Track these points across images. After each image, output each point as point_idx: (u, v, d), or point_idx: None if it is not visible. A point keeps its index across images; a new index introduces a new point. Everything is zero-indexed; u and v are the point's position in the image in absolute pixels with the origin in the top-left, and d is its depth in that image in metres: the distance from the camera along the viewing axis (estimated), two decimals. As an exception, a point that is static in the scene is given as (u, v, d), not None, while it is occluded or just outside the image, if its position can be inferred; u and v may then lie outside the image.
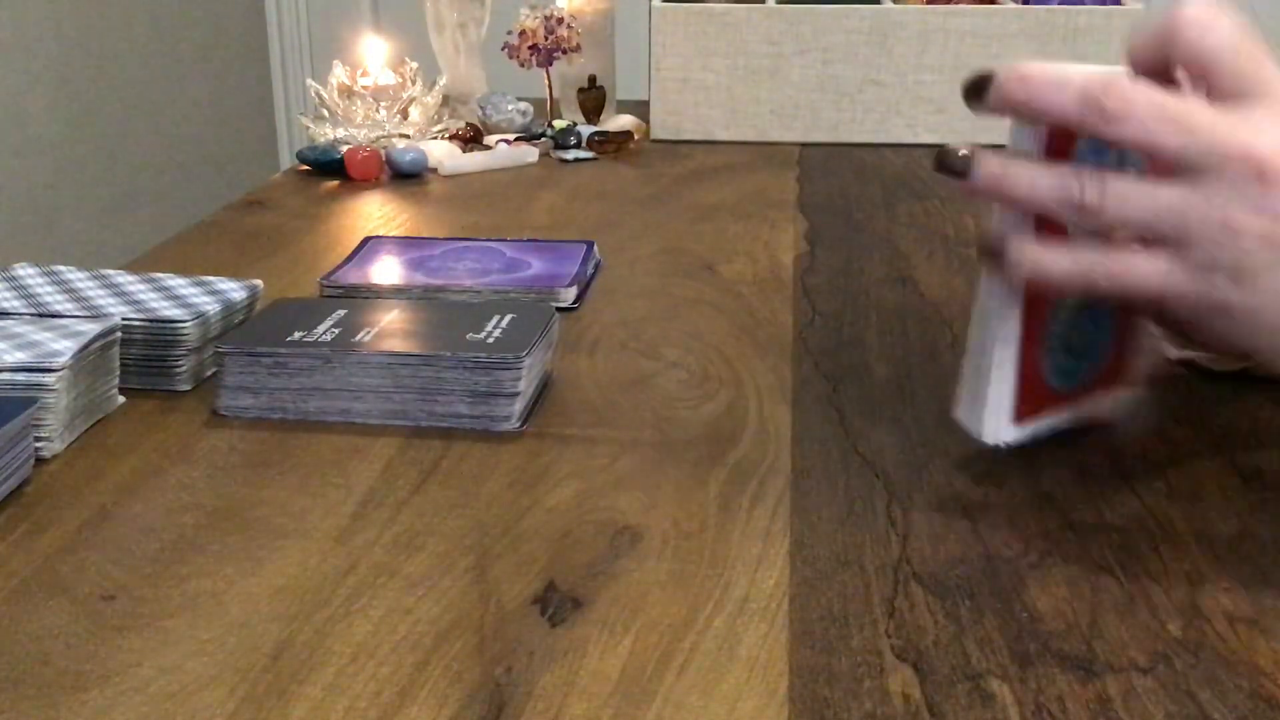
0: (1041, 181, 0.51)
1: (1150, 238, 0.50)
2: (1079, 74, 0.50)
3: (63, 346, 0.62)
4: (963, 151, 0.53)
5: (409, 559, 0.52)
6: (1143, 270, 0.50)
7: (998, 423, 0.58)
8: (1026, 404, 0.58)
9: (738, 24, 1.34)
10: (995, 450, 0.58)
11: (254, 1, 2.94)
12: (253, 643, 0.46)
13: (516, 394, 0.64)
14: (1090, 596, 0.49)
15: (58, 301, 0.71)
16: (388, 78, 1.24)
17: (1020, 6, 1.34)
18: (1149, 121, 0.48)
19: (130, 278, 0.76)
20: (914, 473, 0.60)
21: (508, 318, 0.70)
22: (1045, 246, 0.52)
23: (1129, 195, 0.49)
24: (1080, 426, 0.61)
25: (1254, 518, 0.55)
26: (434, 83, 1.28)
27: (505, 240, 0.94)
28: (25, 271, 0.76)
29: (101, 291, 0.73)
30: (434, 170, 1.20)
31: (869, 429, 0.64)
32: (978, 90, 0.53)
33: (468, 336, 0.67)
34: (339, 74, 1.23)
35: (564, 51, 1.32)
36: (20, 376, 0.61)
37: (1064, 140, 0.53)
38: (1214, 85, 0.50)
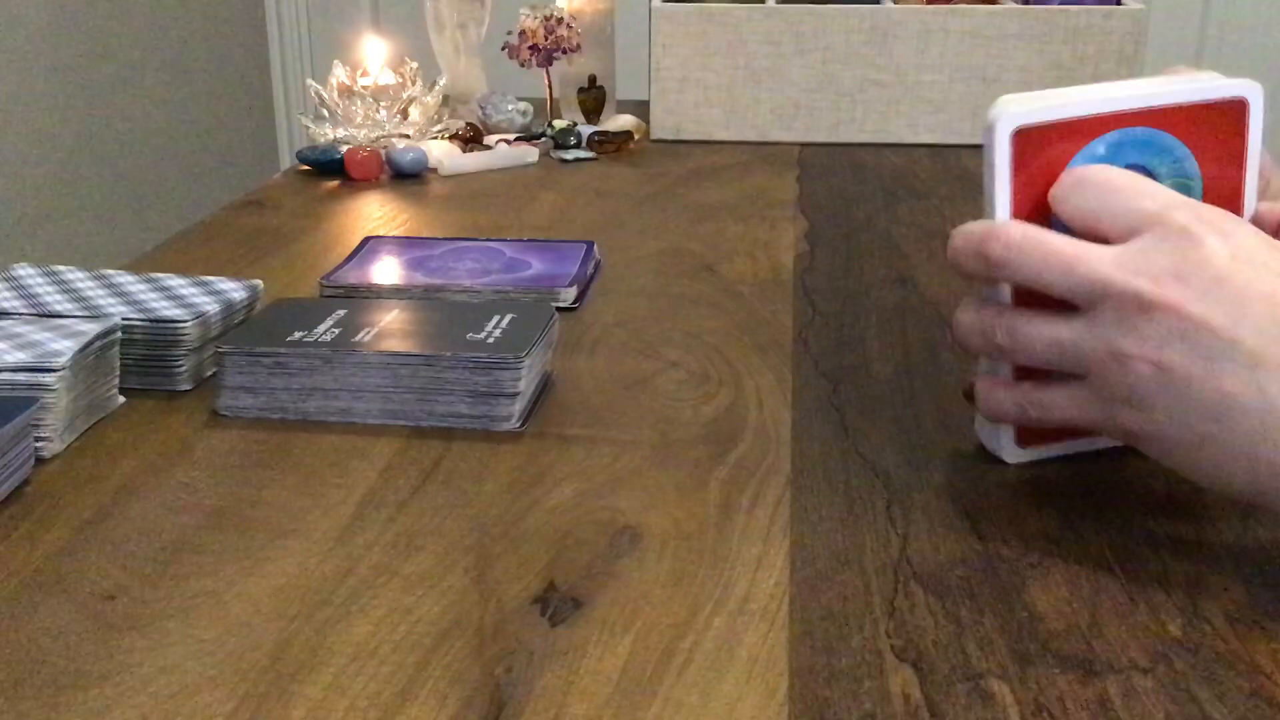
0: (968, 328, 0.56)
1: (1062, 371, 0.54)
2: (976, 225, 0.54)
3: (63, 346, 0.62)
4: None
5: (409, 559, 0.52)
6: (1060, 405, 0.54)
7: (1015, 444, 0.59)
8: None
9: (738, 24, 1.34)
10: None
11: (254, 1, 2.94)
12: (253, 643, 0.46)
13: (516, 394, 0.64)
14: (1090, 596, 0.49)
15: (58, 301, 0.71)
16: (388, 78, 1.24)
17: (1020, 6, 1.34)
18: (1034, 265, 0.52)
19: (130, 278, 0.76)
20: (914, 473, 0.60)
21: (508, 318, 0.70)
22: (995, 385, 0.57)
23: (1032, 336, 0.53)
24: (1098, 450, 0.61)
25: (1254, 518, 0.55)
26: (434, 83, 1.28)
27: (505, 240, 0.94)
28: (25, 271, 0.76)
29: (101, 291, 0.73)
30: (434, 170, 1.20)
31: (869, 429, 0.64)
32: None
33: (468, 336, 0.67)
34: (339, 74, 1.23)
35: (564, 51, 1.32)
36: (20, 376, 0.61)
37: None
38: (1103, 233, 0.52)
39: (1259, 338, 0.47)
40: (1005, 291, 0.55)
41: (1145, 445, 0.52)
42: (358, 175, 1.17)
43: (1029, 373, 0.56)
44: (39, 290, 0.73)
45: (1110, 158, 0.54)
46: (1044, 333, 0.53)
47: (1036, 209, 0.55)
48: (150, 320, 0.69)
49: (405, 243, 0.95)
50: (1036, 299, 0.53)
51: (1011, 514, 0.56)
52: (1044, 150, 0.54)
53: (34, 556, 0.52)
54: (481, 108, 1.32)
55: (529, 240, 0.95)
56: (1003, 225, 0.53)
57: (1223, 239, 0.49)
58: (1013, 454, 0.60)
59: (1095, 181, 0.53)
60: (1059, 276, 0.51)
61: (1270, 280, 0.49)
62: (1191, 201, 0.52)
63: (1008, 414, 0.57)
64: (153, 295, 0.73)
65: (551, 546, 0.53)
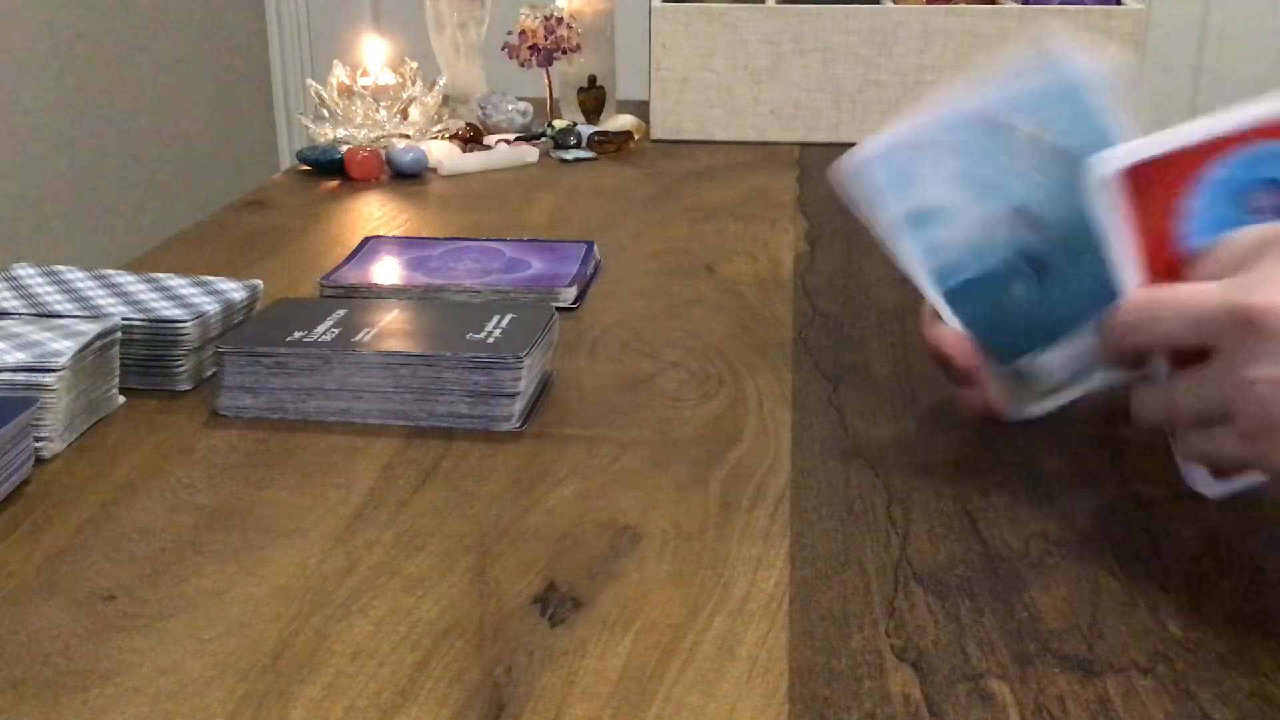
0: (1140, 404, 0.54)
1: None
2: (1107, 318, 0.53)
3: (63, 346, 0.62)
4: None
5: (409, 559, 0.52)
6: (1208, 452, 0.52)
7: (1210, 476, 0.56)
8: None
9: (738, 24, 1.34)
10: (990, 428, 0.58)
11: (254, 1, 2.94)
12: (253, 643, 0.46)
13: (516, 394, 0.64)
14: (1090, 596, 0.49)
15: (58, 301, 0.71)
16: (388, 78, 1.24)
17: (1020, 6, 1.34)
18: (1146, 325, 0.51)
19: (130, 278, 0.76)
20: (914, 473, 0.60)
21: (508, 318, 0.70)
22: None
23: (1176, 398, 0.51)
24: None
25: (1254, 517, 0.55)
26: (434, 83, 1.28)
27: (505, 240, 0.94)
28: (25, 271, 0.76)
29: (101, 291, 0.73)
30: (434, 170, 1.20)
31: (869, 429, 0.64)
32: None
33: (468, 336, 0.67)
34: (339, 74, 1.23)
35: (564, 51, 1.32)
36: (20, 376, 0.61)
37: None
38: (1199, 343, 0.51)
39: None
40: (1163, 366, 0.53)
41: None
42: (358, 175, 1.17)
43: None
44: (39, 290, 0.73)
45: (1243, 175, 0.53)
46: (1182, 390, 0.51)
47: (1162, 249, 0.53)
48: (150, 320, 0.69)
49: (405, 243, 0.95)
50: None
51: (1011, 514, 0.56)
52: (1155, 186, 0.53)
53: (34, 556, 0.52)
54: (481, 108, 1.32)
55: (529, 240, 0.95)
56: (1120, 304, 0.52)
57: None
58: (1210, 488, 0.55)
59: (1157, 307, 0.51)
60: (1177, 323, 0.50)
61: None
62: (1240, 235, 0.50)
63: (1190, 458, 0.54)
64: (153, 295, 0.73)
65: (551, 546, 0.53)
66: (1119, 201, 0.53)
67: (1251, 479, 0.55)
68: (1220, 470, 0.53)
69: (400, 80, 1.24)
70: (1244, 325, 0.47)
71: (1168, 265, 0.53)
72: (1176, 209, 0.53)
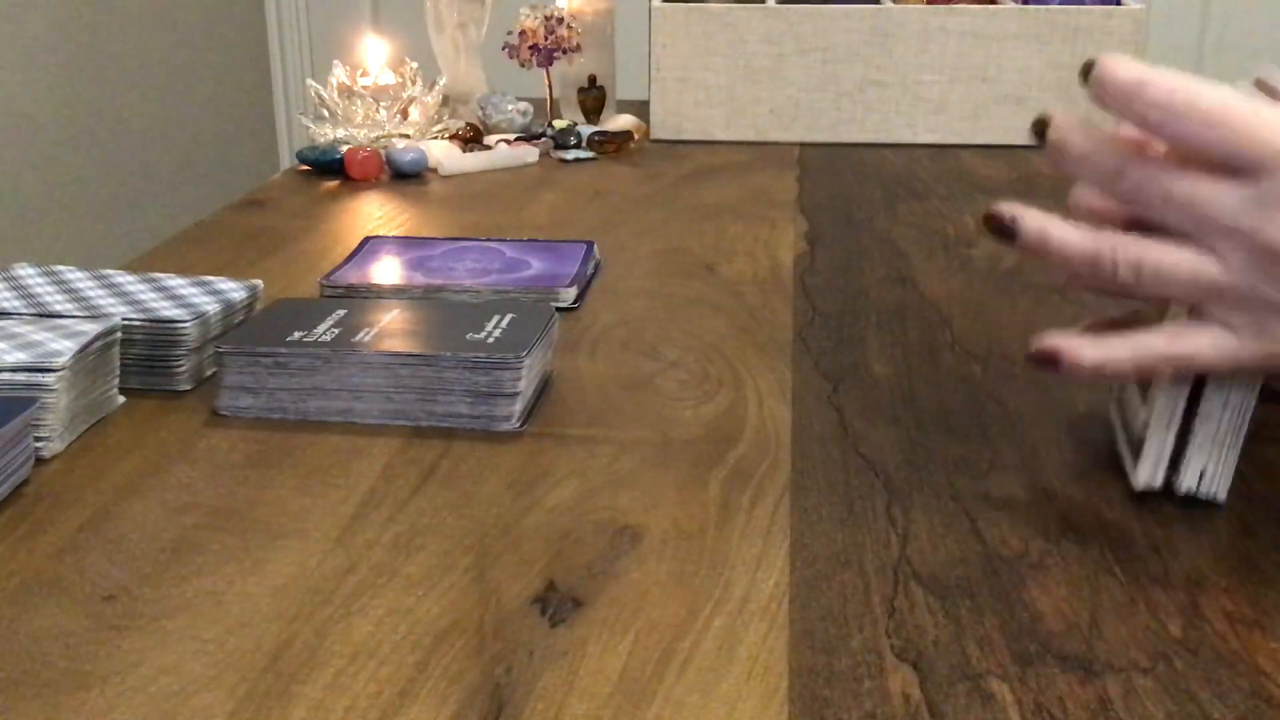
0: (1075, 248, 0.50)
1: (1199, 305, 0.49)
2: (1129, 73, 0.48)
3: (63, 346, 0.62)
4: (1009, 213, 0.52)
5: (409, 559, 0.52)
6: (1202, 349, 0.49)
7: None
8: None
9: (738, 24, 1.34)
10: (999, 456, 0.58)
11: (254, 1, 2.94)
12: (253, 643, 0.46)
13: (516, 394, 0.64)
14: (1090, 596, 0.49)
15: (58, 301, 0.71)
16: (388, 78, 1.24)
17: (1020, 6, 1.34)
18: (1154, 200, 0.48)
19: (130, 278, 0.76)
20: (914, 473, 0.60)
21: (508, 318, 0.70)
22: (1100, 342, 0.51)
23: (1164, 269, 0.48)
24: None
25: (1254, 518, 0.55)
26: (434, 83, 1.28)
27: (505, 240, 0.94)
28: (25, 271, 0.76)
29: (101, 291, 0.73)
30: (434, 170, 1.20)
31: (869, 429, 0.64)
32: (1039, 132, 0.52)
33: (468, 336, 0.67)
34: (339, 74, 1.23)
35: (564, 51, 1.32)
36: (20, 376, 0.61)
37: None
38: (1217, 164, 0.48)
39: None
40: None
41: None
42: (358, 175, 1.17)
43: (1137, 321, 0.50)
44: (39, 290, 0.73)
45: None
46: (1178, 262, 0.47)
47: None
48: (150, 320, 0.69)
49: (405, 243, 0.95)
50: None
51: (1011, 514, 0.56)
52: None
53: (34, 556, 0.52)
54: (481, 108, 1.32)
55: (529, 240, 0.95)
56: (1160, 75, 0.48)
57: None
58: (1146, 477, 0.55)
59: (1200, 114, 0.47)
60: (1225, 135, 0.46)
61: None
62: None
63: (1131, 368, 0.51)
64: (153, 295, 0.73)
65: (551, 546, 0.53)
66: None
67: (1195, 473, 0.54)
68: (1172, 371, 0.50)
69: (400, 80, 1.24)
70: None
71: None
72: None
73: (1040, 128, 0.51)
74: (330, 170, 1.19)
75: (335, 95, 1.23)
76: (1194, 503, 0.56)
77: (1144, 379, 0.52)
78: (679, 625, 0.47)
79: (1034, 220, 0.51)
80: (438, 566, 0.52)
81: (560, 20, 1.31)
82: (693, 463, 0.61)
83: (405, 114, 1.24)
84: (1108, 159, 0.49)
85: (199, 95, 2.67)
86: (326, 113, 1.24)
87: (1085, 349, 0.51)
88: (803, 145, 1.35)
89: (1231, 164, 0.47)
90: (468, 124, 1.28)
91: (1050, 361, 0.52)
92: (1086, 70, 0.50)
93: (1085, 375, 0.51)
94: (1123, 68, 0.48)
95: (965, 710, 0.42)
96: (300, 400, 0.65)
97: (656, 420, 0.66)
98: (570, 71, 1.37)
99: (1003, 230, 0.52)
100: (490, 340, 0.66)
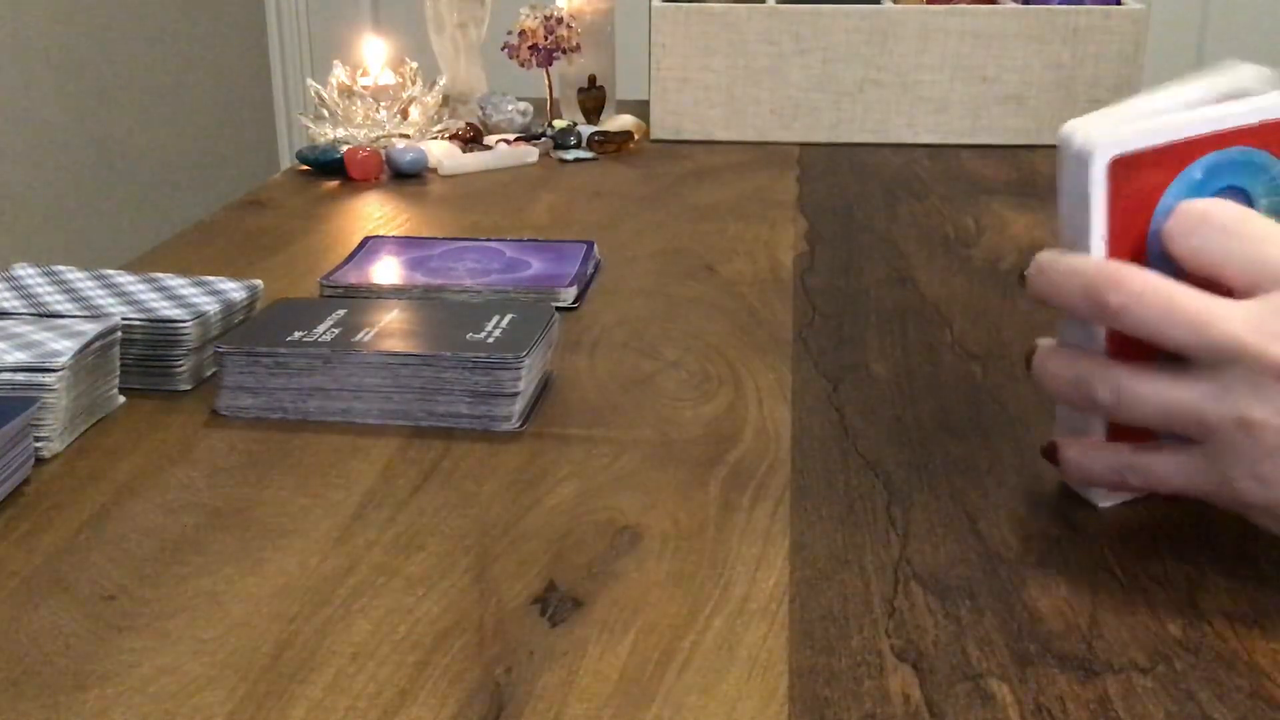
0: (1059, 376, 0.52)
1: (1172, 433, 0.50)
2: (1087, 265, 0.50)
3: (63, 346, 0.62)
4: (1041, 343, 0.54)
5: (409, 559, 0.52)
6: (1167, 472, 0.50)
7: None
8: None
9: (738, 24, 1.34)
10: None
11: (254, 1, 2.94)
12: (253, 643, 0.46)
13: (516, 394, 0.64)
14: (1090, 596, 0.49)
15: (58, 301, 0.71)
16: (388, 78, 1.24)
17: (1020, 6, 1.34)
18: (1155, 317, 0.48)
19: (130, 278, 0.76)
20: (914, 473, 0.60)
21: (508, 318, 0.70)
22: (1086, 448, 0.54)
23: (1143, 396, 0.49)
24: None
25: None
26: (434, 83, 1.28)
27: (505, 240, 0.94)
28: (25, 271, 0.76)
29: (101, 291, 0.73)
30: (434, 170, 1.20)
31: (869, 429, 0.64)
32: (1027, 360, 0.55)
33: (468, 336, 0.67)
34: (339, 74, 1.23)
35: (564, 51, 1.32)
36: (20, 376, 0.61)
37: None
38: (1225, 280, 0.48)
39: None
40: (1098, 332, 0.51)
41: (1262, 518, 0.49)
42: (358, 175, 1.17)
43: (1125, 432, 0.52)
44: (39, 290, 0.73)
45: (1207, 181, 0.51)
46: (1158, 393, 0.48)
47: (1131, 242, 0.51)
48: (150, 320, 0.69)
49: (405, 243, 0.95)
50: (1134, 346, 0.50)
51: (1011, 514, 0.56)
52: (1137, 177, 0.50)
53: (34, 556, 0.52)
54: (481, 108, 1.32)
55: (529, 240, 0.95)
56: (1123, 271, 0.49)
57: None
58: (1104, 497, 0.56)
59: (1218, 223, 0.49)
60: (1186, 333, 0.47)
61: None
62: None
63: (1101, 479, 0.53)
64: (153, 295, 0.73)
65: (551, 546, 0.53)
66: (1104, 189, 0.50)
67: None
68: (1143, 490, 0.52)
69: (400, 80, 1.24)
70: (1270, 373, 0.46)
71: (1134, 258, 0.51)
72: (1150, 201, 0.51)
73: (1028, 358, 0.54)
74: (330, 170, 1.19)
75: (335, 95, 1.23)
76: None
77: (1118, 488, 0.55)
78: (679, 625, 0.47)
79: (1040, 348, 0.54)
80: (438, 566, 0.52)
81: (560, 20, 1.31)
82: (693, 463, 0.61)
83: (405, 114, 1.24)
84: (1081, 382, 0.51)
85: (199, 95, 2.67)
86: (326, 113, 1.24)
87: (1075, 450, 0.54)
88: (803, 145, 1.35)
89: (1239, 280, 0.48)
90: (468, 124, 1.28)
91: (1049, 454, 0.56)
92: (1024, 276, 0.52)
93: (1071, 471, 0.55)
94: (1071, 263, 0.50)
95: (965, 710, 0.42)
96: (300, 400, 0.65)
97: (656, 420, 0.66)
98: (570, 71, 1.37)
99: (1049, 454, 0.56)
100: (490, 340, 0.66)
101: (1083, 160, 0.50)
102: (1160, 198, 0.51)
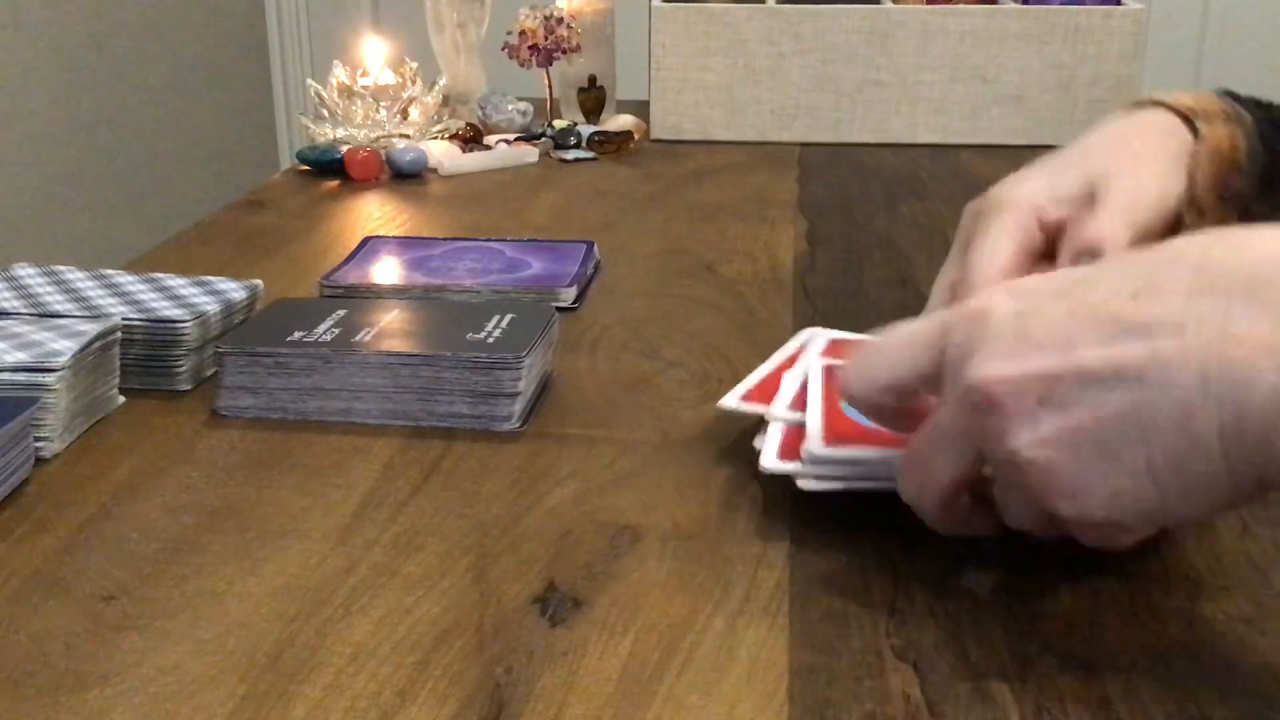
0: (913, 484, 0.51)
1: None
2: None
3: (63, 346, 0.62)
4: None
5: (409, 559, 0.52)
6: (1011, 517, 0.48)
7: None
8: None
9: (738, 24, 1.34)
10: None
11: (254, 1, 2.94)
12: (253, 643, 0.46)
13: (516, 394, 0.64)
14: (1090, 596, 0.49)
15: (58, 301, 0.71)
16: (388, 78, 1.24)
17: (1020, 6, 1.34)
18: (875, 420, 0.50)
19: (130, 278, 0.76)
20: (914, 473, 0.59)
21: (508, 318, 0.70)
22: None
23: (932, 459, 0.48)
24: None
25: (1254, 517, 0.55)
26: (434, 83, 1.28)
27: (505, 240, 0.94)
28: (25, 271, 0.76)
29: (101, 291, 0.73)
30: (434, 170, 1.20)
31: (869, 429, 0.64)
32: None
33: (468, 336, 0.67)
34: (339, 74, 1.23)
35: (564, 51, 1.32)
36: (20, 376, 0.61)
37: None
38: (915, 390, 0.49)
39: (1103, 349, 0.42)
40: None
41: (1104, 532, 0.45)
42: (358, 175, 1.17)
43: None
44: (39, 290, 0.73)
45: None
46: (942, 464, 0.47)
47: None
48: (150, 320, 0.69)
49: (405, 243, 0.95)
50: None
51: (1011, 514, 0.55)
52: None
53: (34, 556, 0.52)
54: (481, 108, 1.32)
55: (529, 240, 0.95)
56: (844, 370, 0.50)
57: (1004, 297, 0.45)
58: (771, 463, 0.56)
59: (866, 354, 0.49)
60: (901, 374, 0.48)
61: (1066, 299, 0.44)
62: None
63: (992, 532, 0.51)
64: (153, 295, 0.73)
65: (551, 546, 0.53)
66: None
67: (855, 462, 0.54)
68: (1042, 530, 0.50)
69: (400, 80, 1.24)
70: (984, 412, 0.44)
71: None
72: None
73: None
74: (330, 170, 1.19)
75: (335, 95, 1.23)
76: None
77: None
78: (679, 625, 0.47)
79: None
80: (438, 566, 0.52)
81: (560, 20, 1.31)
82: (693, 463, 0.61)
83: (405, 114, 1.24)
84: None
85: (199, 95, 2.67)
86: (326, 113, 1.24)
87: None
88: (803, 145, 1.35)
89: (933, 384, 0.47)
90: (468, 124, 1.28)
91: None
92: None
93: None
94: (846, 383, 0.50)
95: (965, 710, 0.42)
96: (300, 400, 0.65)
97: (656, 420, 0.66)
98: (570, 71, 1.37)
99: None
100: (490, 340, 0.66)
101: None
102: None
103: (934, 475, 0.48)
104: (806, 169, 1.24)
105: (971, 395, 0.44)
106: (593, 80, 1.36)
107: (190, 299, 0.72)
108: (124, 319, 0.68)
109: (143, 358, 0.69)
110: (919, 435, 0.48)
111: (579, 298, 0.84)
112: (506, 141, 1.27)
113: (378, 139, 1.22)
